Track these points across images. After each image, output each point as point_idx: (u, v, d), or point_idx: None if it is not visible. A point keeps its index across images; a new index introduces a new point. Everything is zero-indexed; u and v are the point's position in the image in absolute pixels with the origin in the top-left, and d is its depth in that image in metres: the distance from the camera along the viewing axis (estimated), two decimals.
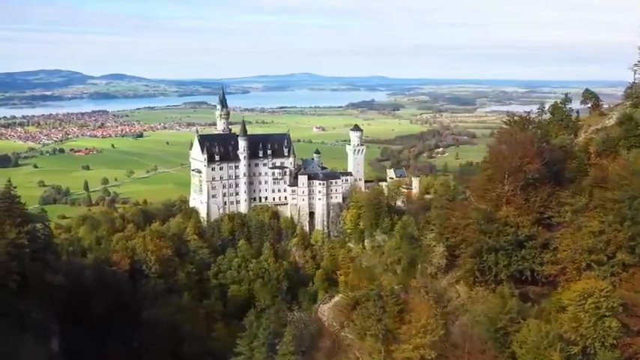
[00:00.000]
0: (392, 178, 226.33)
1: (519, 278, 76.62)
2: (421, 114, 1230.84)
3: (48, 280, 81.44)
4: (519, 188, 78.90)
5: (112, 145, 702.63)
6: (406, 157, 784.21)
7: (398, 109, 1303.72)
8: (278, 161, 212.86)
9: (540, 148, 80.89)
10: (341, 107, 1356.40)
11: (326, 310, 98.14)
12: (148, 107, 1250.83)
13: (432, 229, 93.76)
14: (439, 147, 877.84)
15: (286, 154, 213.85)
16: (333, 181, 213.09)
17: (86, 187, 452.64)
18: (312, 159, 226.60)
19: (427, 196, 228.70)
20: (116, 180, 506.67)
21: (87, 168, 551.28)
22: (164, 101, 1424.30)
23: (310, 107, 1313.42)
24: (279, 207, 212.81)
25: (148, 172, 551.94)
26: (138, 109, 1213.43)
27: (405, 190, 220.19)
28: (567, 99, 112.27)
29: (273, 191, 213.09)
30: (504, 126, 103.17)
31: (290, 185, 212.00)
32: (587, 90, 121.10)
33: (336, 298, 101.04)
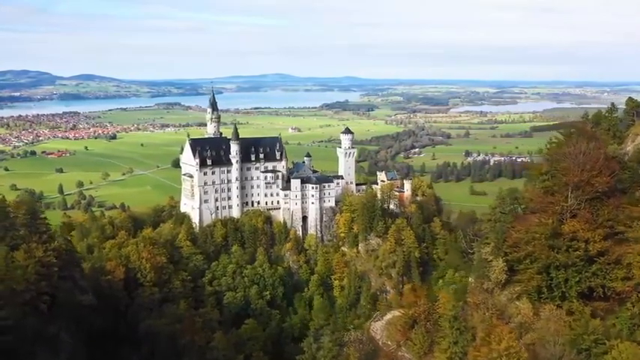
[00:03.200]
0: (383, 181, 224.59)
1: (586, 294, 74.43)
2: (395, 114, 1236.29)
3: (77, 300, 76.97)
4: (585, 202, 76.90)
5: (85, 148, 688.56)
6: (383, 157, 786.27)
7: (372, 110, 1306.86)
8: (270, 165, 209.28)
9: (608, 160, 78.87)
10: (315, 108, 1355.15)
11: (379, 328, 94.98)
12: (120, 108, 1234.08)
13: (487, 243, 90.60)
14: (415, 147, 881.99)
15: (278, 157, 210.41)
16: (326, 184, 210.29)
17: (61, 191, 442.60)
18: (303, 162, 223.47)
19: (418, 199, 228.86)
20: (91, 183, 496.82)
21: (60, 171, 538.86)
22: (136, 102, 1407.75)
23: (284, 108, 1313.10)
24: (271, 211, 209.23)
25: (124, 174, 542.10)
26: (110, 110, 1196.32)
27: (398, 193, 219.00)
28: (614, 108, 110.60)
29: (266, 195, 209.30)
30: (559, 136, 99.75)
31: (283, 189, 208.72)
32: (630, 99, 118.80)
33: (389, 316, 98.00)
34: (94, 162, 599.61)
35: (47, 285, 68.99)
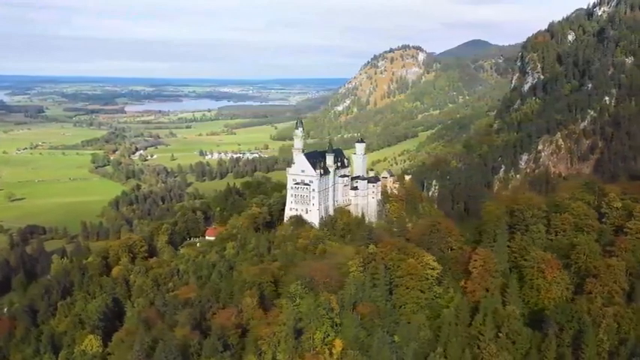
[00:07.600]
0: (385, 177, 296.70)
1: None
2: (76, 116, 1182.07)
3: None
4: None
5: None
6: (128, 161, 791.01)
7: (43, 112, 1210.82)
8: (343, 171, 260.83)
9: None
10: None
11: None
12: None
13: None
14: (138, 149, 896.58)
15: (346, 165, 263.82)
16: (377, 182, 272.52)
17: None
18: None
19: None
20: None
21: None
22: None
23: None
24: (347, 207, 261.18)
25: None
26: None
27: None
28: None
29: (343, 195, 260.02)
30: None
31: (352, 189, 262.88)
32: None
33: None
34: None
35: None
